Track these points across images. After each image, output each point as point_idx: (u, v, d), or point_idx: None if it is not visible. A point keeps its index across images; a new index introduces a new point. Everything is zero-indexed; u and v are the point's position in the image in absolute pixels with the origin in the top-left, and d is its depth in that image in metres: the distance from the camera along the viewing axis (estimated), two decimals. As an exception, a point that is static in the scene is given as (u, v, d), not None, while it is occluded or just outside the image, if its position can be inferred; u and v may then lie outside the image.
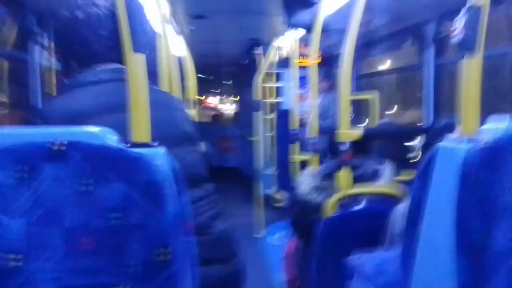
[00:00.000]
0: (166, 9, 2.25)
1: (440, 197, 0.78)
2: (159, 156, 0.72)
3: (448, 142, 0.79)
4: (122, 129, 0.72)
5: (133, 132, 0.73)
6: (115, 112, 0.87)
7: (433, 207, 0.80)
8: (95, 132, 0.71)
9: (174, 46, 3.58)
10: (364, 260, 1.17)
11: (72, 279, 0.64)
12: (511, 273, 0.66)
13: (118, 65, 0.98)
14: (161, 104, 1.01)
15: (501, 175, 0.68)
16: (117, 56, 0.96)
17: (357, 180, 1.63)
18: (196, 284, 0.83)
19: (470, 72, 0.77)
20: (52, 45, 1.08)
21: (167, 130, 0.98)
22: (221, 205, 1.09)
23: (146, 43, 1.00)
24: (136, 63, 0.73)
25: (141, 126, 0.73)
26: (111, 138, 0.71)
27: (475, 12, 0.76)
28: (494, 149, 0.71)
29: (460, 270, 0.70)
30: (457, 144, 0.76)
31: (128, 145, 0.72)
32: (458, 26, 0.78)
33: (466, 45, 0.77)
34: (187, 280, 0.69)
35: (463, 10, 0.77)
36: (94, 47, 1.00)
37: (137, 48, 0.72)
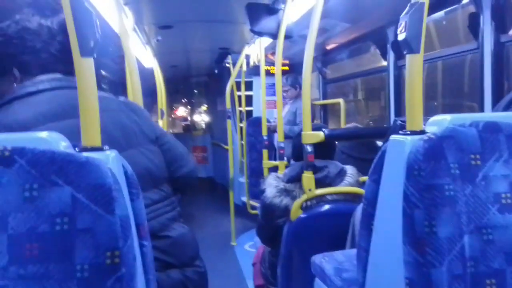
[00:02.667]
0: (130, 19, 2.24)
1: (389, 190, 0.80)
2: (108, 160, 0.71)
3: (396, 136, 0.81)
4: (67, 136, 0.72)
5: (82, 136, 0.73)
6: (56, 121, 0.87)
7: (384, 200, 0.83)
8: (42, 137, 0.70)
9: (142, 56, 3.57)
10: (325, 260, 1.18)
11: (17, 287, 0.62)
12: (453, 263, 0.69)
13: (58, 75, 0.97)
14: (107, 108, 1.00)
15: (442, 166, 0.71)
16: (60, 66, 0.96)
17: (322, 181, 1.65)
18: (153, 288, 0.82)
19: (414, 69, 0.80)
20: None
21: (117, 133, 0.98)
22: (179, 207, 1.09)
23: (100, 49, 1.00)
24: (84, 67, 0.72)
25: (91, 131, 0.73)
26: (60, 143, 0.70)
27: (417, 9, 0.79)
28: (437, 141, 0.74)
29: (407, 261, 0.72)
30: (404, 138, 0.78)
31: (77, 149, 0.72)
32: (401, 26, 0.81)
33: (409, 44, 0.80)
34: (138, 284, 0.68)
35: (406, 10, 0.80)
36: (41, 57, 0.98)
37: (85, 53, 0.72)
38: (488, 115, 0.83)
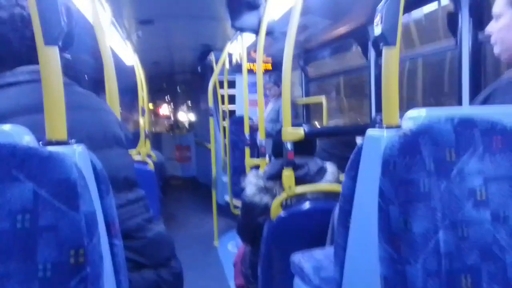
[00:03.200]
0: (108, 12, 2.19)
1: (365, 186, 0.79)
2: (74, 154, 0.68)
3: (372, 132, 0.80)
4: (42, 130, 0.69)
5: (47, 129, 0.69)
6: (34, 113, 0.83)
7: (360, 196, 0.82)
8: (4, 130, 0.66)
9: (123, 52, 3.50)
10: (304, 258, 1.17)
11: (-26, 288, 0.59)
12: (428, 259, 0.68)
13: (33, 66, 0.94)
14: (85, 105, 0.98)
15: (417, 161, 0.70)
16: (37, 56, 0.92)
17: (302, 179, 1.64)
18: (124, 288, 0.79)
19: (390, 62, 0.79)
20: None
21: (93, 131, 0.95)
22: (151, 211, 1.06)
23: (74, 42, 0.97)
24: (48, 56, 0.69)
25: (55, 123, 0.70)
26: (23, 137, 0.67)
27: (393, 4, 0.78)
28: (412, 137, 0.73)
29: (382, 257, 0.71)
30: (379, 133, 0.77)
31: (42, 143, 0.69)
32: (378, 18, 0.80)
33: (385, 38, 0.79)
34: (104, 284, 0.65)
35: (382, 2, 0.79)
36: (15, 47, 0.96)
37: (48, 41, 0.69)
38: (463, 110, 0.83)
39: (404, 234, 0.69)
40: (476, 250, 0.73)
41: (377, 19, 0.77)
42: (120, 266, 0.79)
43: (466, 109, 0.86)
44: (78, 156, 0.68)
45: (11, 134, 0.66)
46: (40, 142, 0.69)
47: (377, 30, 0.78)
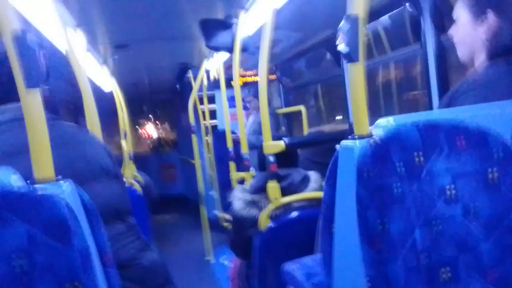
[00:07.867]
0: (83, 40, 2.22)
1: (344, 193, 0.84)
2: (63, 192, 0.70)
3: (346, 142, 0.85)
4: (25, 170, 0.70)
5: (34, 169, 0.71)
6: (13, 155, 0.85)
7: (340, 203, 0.86)
8: (-9, 173, 0.68)
9: (100, 77, 3.51)
10: (296, 266, 1.21)
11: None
12: (408, 257, 0.73)
13: (14, 104, 0.95)
14: (70, 140, 0.99)
15: (389, 166, 0.75)
16: (15, 94, 0.94)
17: (287, 189, 1.68)
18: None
19: (356, 78, 0.84)
20: None
21: (79, 165, 0.97)
22: (143, 237, 1.08)
23: (46, 77, 0.97)
24: (30, 98, 0.71)
25: (42, 163, 0.72)
26: (11, 177, 0.69)
27: (353, 22, 0.83)
28: (382, 145, 0.78)
29: (365, 259, 0.75)
30: (352, 143, 0.82)
31: (29, 183, 0.71)
32: (340, 36, 0.84)
33: (349, 55, 0.84)
34: (103, 313, 0.67)
35: (342, 23, 0.84)
36: None
37: (30, 84, 0.71)
38: (427, 114, 0.88)
39: (383, 235, 0.74)
40: (452, 243, 0.79)
41: (339, 39, 0.82)
42: (115, 293, 0.81)
43: (430, 113, 0.91)
44: (67, 192, 0.71)
45: None
46: (28, 181, 0.71)
47: (340, 48, 0.83)
